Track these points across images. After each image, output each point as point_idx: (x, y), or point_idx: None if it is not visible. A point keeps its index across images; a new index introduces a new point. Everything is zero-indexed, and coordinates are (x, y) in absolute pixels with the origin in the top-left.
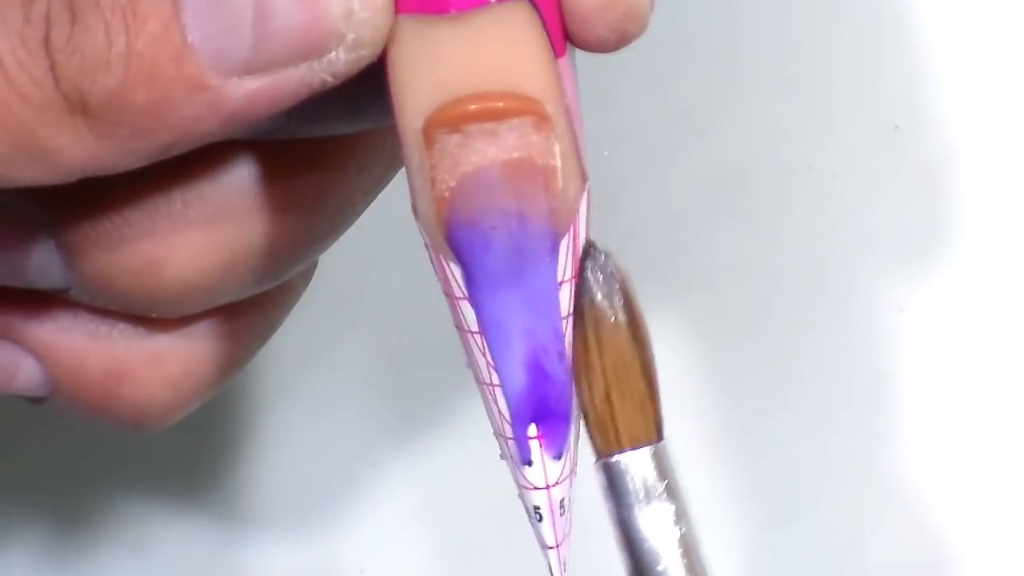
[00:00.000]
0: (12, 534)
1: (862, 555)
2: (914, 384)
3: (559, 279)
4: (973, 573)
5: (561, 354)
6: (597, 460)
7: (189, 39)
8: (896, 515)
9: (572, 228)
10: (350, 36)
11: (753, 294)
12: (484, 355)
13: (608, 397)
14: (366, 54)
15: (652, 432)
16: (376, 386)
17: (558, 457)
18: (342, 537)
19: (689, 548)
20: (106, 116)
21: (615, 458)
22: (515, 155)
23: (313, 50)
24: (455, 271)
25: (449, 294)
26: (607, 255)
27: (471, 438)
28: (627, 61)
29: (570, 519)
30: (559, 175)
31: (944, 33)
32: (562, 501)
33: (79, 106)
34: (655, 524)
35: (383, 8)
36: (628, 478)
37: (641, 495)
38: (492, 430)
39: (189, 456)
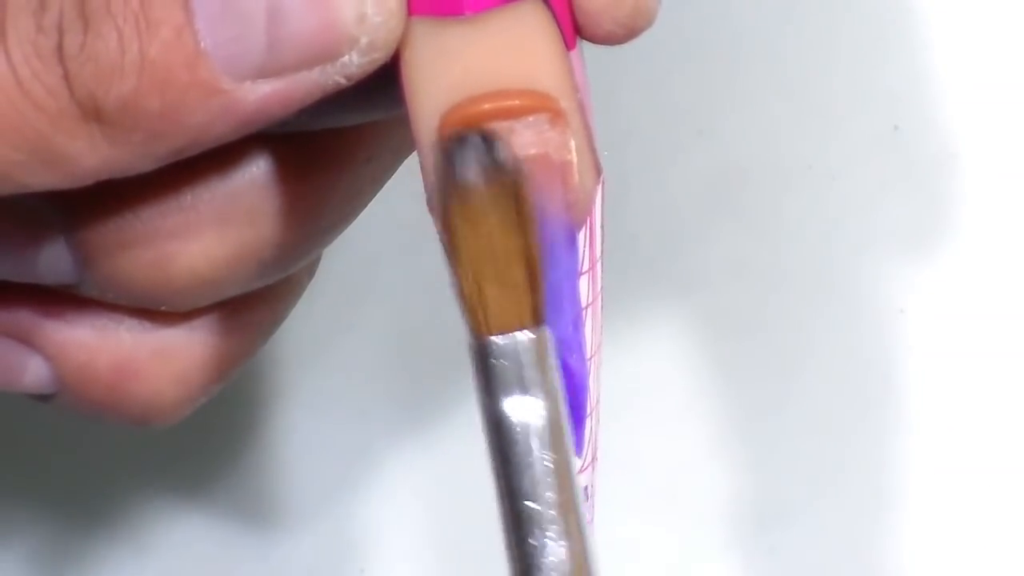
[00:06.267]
0: (12, 534)
1: (862, 555)
2: (914, 384)
3: (577, 271)
4: (973, 573)
5: (580, 346)
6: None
7: (202, 45)
8: (896, 515)
9: (588, 221)
10: (363, 40)
11: (753, 294)
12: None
13: (476, 281)
14: (379, 57)
15: (525, 317)
16: (377, 386)
17: (577, 451)
18: (342, 537)
19: (556, 441)
20: (120, 123)
21: (483, 341)
22: (531, 152)
23: (326, 54)
24: None
25: None
26: (498, 144)
27: (472, 438)
28: (627, 61)
29: (593, 505)
30: (575, 170)
31: (944, 33)
32: (585, 488)
33: (93, 113)
34: (520, 414)
35: (396, 11)
36: (494, 363)
37: (509, 383)
38: None
39: (189, 457)
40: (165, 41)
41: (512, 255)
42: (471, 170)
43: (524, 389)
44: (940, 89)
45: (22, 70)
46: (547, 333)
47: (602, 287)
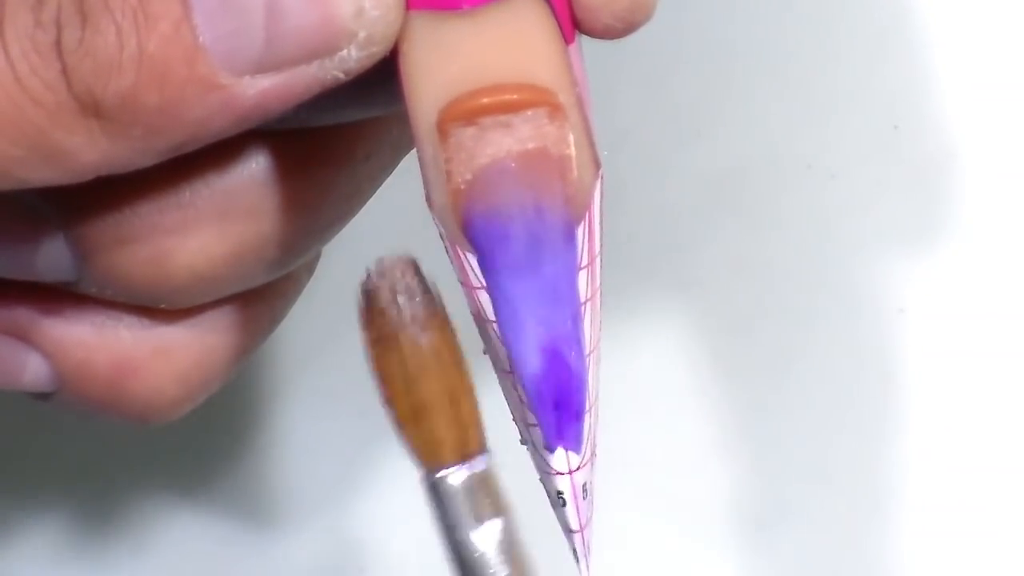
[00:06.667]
0: (12, 533)
1: (861, 555)
2: (914, 384)
3: (576, 266)
4: (973, 573)
5: (579, 341)
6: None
7: (200, 39)
8: (895, 514)
9: (587, 215)
10: (361, 34)
11: (753, 294)
12: (503, 343)
13: (420, 420)
14: (377, 51)
15: (471, 447)
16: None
17: (576, 447)
18: (342, 537)
19: (515, 555)
20: (119, 118)
21: (436, 478)
22: (530, 146)
23: (324, 48)
24: (472, 261)
25: (466, 284)
26: (407, 269)
27: None
28: (627, 61)
29: (592, 502)
30: (574, 164)
31: (944, 33)
32: (584, 485)
33: (92, 108)
34: (480, 541)
35: (394, 6)
36: (451, 498)
37: (467, 515)
38: (512, 417)
39: (189, 456)
40: (163, 36)
41: (451, 392)
42: (403, 316)
43: (480, 519)
44: (940, 89)
45: (20, 65)
46: (491, 458)
47: (601, 283)
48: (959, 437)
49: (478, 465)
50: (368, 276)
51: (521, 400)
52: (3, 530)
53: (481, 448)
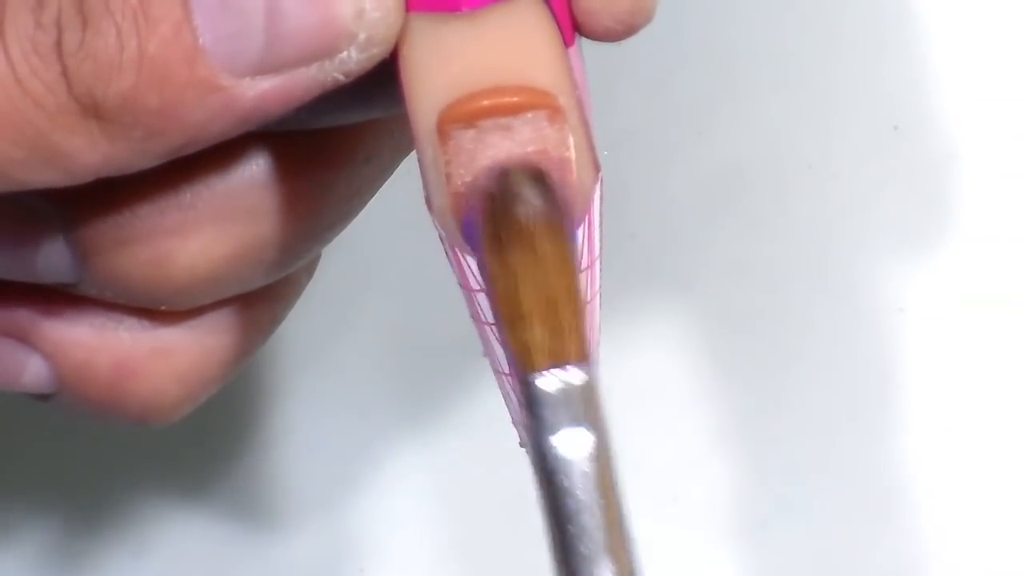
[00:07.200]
0: (12, 534)
1: (862, 555)
2: (914, 384)
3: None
4: (973, 571)
5: None
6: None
7: (200, 41)
8: (896, 515)
9: (587, 218)
10: (361, 36)
11: (753, 294)
12: (502, 346)
13: (528, 320)
14: (378, 53)
15: (573, 354)
16: (377, 386)
17: None
18: (342, 537)
19: (605, 477)
20: (119, 119)
21: (534, 380)
22: (530, 148)
23: (325, 50)
24: (471, 264)
25: (465, 287)
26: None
27: (472, 437)
28: (627, 61)
29: None
30: (574, 166)
31: (944, 33)
32: None
33: (92, 110)
34: (569, 450)
35: (394, 8)
36: (544, 401)
37: (558, 419)
38: (512, 420)
39: (188, 456)
40: (163, 37)
41: (560, 293)
42: (530, 209)
43: (573, 423)
44: (940, 89)
45: (21, 67)
46: (596, 369)
47: (600, 285)
48: (959, 437)
49: (573, 375)
50: (502, 169)
51: (520, 403)
52: (3, 530)
53: (579, 359)
